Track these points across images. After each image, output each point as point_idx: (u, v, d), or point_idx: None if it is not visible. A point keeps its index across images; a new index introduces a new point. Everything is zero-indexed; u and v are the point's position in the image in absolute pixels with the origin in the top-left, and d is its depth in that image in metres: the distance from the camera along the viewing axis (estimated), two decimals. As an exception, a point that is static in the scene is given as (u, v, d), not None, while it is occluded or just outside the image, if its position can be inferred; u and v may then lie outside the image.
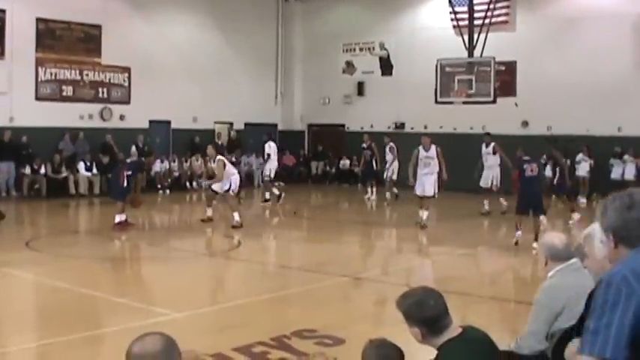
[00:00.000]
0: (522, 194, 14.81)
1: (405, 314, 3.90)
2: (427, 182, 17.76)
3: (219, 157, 17.99)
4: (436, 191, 18.01)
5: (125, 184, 16.51)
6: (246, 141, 29.84)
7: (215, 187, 17.82)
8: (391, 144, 24.06)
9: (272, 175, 22.57)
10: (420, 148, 18.16)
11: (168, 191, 26.00)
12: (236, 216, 17.32)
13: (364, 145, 24.85)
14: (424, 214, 17.73)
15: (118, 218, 16.44)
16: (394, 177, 23.72)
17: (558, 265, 5.17)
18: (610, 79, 24.05)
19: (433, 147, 18.13)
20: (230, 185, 17.57)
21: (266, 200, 22.48)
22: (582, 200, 23.57)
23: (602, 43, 24.44)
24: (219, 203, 18.67)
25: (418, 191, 17.92)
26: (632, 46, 24.31)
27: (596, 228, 3.68)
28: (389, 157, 23.86)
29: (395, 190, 23.75)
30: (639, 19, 24.19)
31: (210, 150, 18.32)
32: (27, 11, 23.89)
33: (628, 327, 2.74)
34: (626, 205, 2.99)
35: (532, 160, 15.02)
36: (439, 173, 18.00)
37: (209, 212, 18.04)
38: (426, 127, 28.04)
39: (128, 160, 18.51)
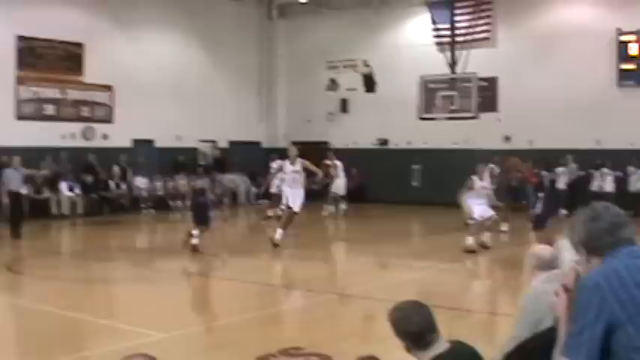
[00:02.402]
0: None
1: (393, 326, 3.98)
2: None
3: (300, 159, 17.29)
4: None
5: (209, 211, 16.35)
6: (230, 159, 29.74)
7: (291, 202, 17.05)
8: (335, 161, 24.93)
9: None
10: None
11: (152, 211, 25.81)
12: (278, 233, 16.68)
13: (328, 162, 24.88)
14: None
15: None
16: (339, 192, 24.93)
17: (543, 274, 5.21)
18: (589, 94, 24.58)
19: None
20: (297, 200, 16.98)
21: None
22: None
23: (580, 59, 24.95)
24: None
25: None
26: (609, 62, 24.78)
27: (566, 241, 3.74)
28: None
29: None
30: (616, 36, 24.63)
31: (293, 150, 17.38)
32: (7, 29, 23.69)
33: (600, 332, 2.89)
34: (590, 217, 3.16)
35: None
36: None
37: (270, 212, 20.56)
38: (409, 143, 28.21)
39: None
